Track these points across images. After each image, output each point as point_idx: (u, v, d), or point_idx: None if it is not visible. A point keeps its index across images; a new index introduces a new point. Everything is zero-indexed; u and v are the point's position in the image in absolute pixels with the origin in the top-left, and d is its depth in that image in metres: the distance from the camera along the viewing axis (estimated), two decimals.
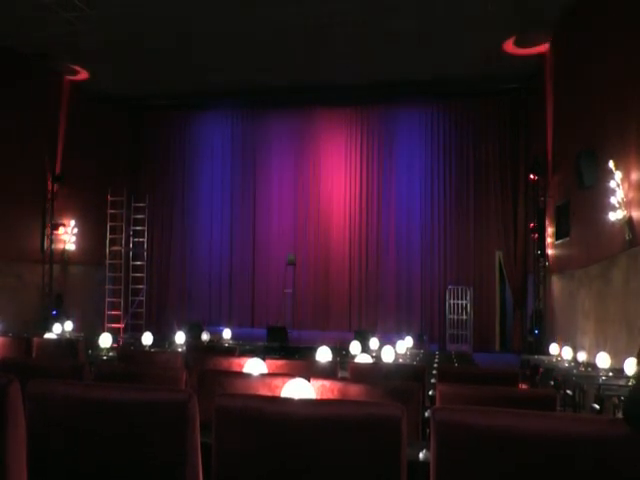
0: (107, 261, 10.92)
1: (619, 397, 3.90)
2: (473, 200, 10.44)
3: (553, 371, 5.59)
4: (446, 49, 8.63)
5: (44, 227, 9.46)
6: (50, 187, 9.50)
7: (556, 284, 8.18)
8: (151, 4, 7.35)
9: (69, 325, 7.50)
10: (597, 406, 4.02)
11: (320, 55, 8.98)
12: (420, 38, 8.26)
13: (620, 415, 1.30)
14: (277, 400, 1.67)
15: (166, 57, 9.18)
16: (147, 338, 5.88)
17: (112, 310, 10.89)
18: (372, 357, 5.13)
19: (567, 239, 7.42)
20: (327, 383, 2.39)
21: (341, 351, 5.78)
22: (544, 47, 8.46)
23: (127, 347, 6.16)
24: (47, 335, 5.81)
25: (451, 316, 10.15)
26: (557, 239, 7.95)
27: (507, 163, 10.27)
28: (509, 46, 8.48)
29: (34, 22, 7.82)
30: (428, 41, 8.38)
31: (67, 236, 9.91)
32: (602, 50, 6.17)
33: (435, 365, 4.91)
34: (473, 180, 10.46)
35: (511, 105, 10.21)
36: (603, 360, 4.89)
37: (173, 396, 1.53)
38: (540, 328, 8.56)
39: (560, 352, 6.36)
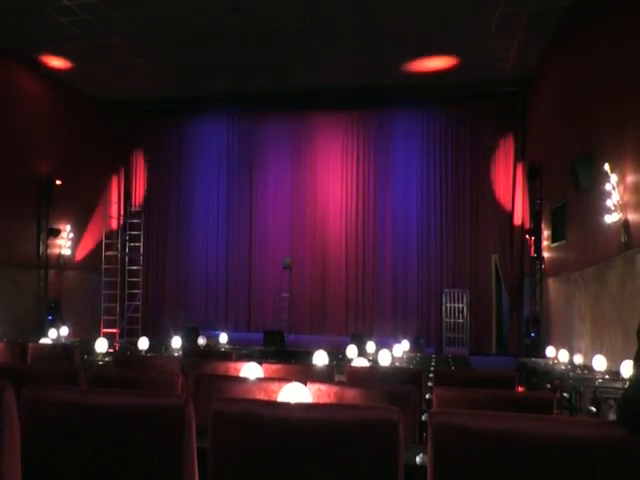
0: (103, 266, 10.88)
1: (616, 399, 3.91)
2: (469, 203, 10.46)
3: (550, 374, 5.59)
4: (444, 53, 8.66)
5: (40, 232, 9.43)
6: (46, 192, 9.47)
7: (552, 287, 8.20)
8: (147, 7, 7.36)
9: (65, 330, 7.47)
10: (594, 409, 4.02)
11: (317, 58, 8.99)
12: (418, 41, 8.29)
13: (614, 417, 1.31)
14: (274, 404, 1.67)
15: (163, 61, 9.18)
16: (143, 343, 5.86)
17: (108, 315, 10.86)
18: (369, 361, 5.12)
19: (563, 242, 7.44)
20: (324, 387, 2.39)
21: (338, 355, 5.78)
22: (541, 51, 8.49)
23: (123, 352, 6.13)
24: (42, 340, 5.78)
25: (448, 319, 10.16)
26: (553, 242, 7.98)
27: (503, 166, 10.30)
28: (506, 51, 8.52)
29: (31, 27, 7.82)
30: (425, 44, 8.41)
31: (63, 241, 9.88)
32: (599, 53, 6.20)
33: (432, 368, 4.90)
34: (469, 183, 10.49)
35: (508, 108, 10.25)
36: (599, 363, 4.89)
37: (169, 401, 1.53)
38: (536, 331, 8.57)
39: (556, 355, 6.36)
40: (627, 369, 4.09)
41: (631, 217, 5.18)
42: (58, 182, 9.52)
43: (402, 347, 6.33)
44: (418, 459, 1.89)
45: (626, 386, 1.34)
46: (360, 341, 6.95)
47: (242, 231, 11.35)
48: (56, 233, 9.55)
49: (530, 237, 9.00)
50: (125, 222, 11.17)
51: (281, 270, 10.62)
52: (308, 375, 3.18)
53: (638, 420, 1.23)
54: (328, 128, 11.14)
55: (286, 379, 2.49)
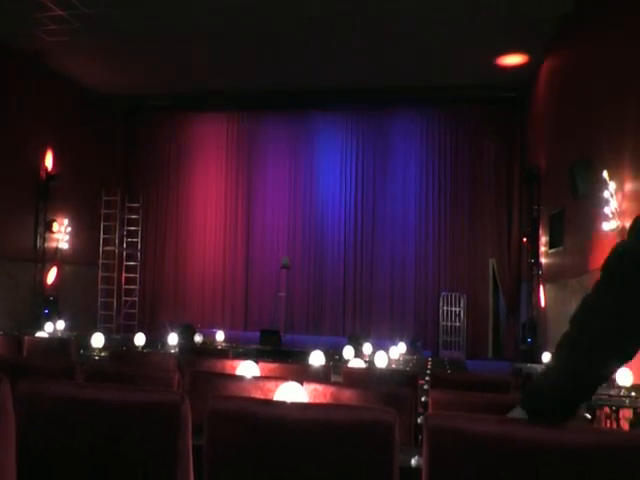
0: (100, 261, 10.87)
1: (610, 407, 3.92)
2: (467, 207, 10.48)
3: None
4: (444, 56, 8.68)
5: (37, 226, 9.40)
6: (44, 186, 9.45)
7: (549, 293, 8.21)
8: (149, 4, 7.35)
9: (61, 324, 7.45)
10: (589, 415, 4.03)
11: (317, 58, 9.00)
12: (418, 44, 8.30)
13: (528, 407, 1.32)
14: (271, 403, 1.67)
15: (162, 57, 9.17)
16: (140, 339, 5.85)
17: (105, 310, 10.84)
18: (365, 362, 5.13)
19: (560, 248, 7.45)
20: (320, 387, 2.39)
21: (334, 356, 5.78)
22: (540, 56, 8.52)
23: (119, 347, 6.12)
24: (39, 334, 5.77)
25: (444, 323, 10.16)
26: (550, 248, 7.99)
27: (502, 171, 10.32)
28: (505, 56, 8.54)
29: (29, 19, 7.78)
30: (426, 48, 8.42)
31: (60, 235, 9.86)
32: (599, 59, 6.22)
33: (428, 371, 4.91)
34: (468, 187, 10.50)
35: (507, 113, 10.27)
36: None
37: (166, 397, 1.53)
38: (533, 336, 8.58)
39: None
40: (623, 375, 4.09)
41: (629, 224, 5.18)
42: (56, 177, 9.50)
43: (399, 349, 6.34)
44: (413, 461, 1.90)
45: (540, 373, 1.36)
46: (357, 342, 6.96)
47: (240, 230, 11.35)
48: (49, 225, 9.48)
49: (527, 243, 9.01)
50: (123, 218, 11.16)
51: (278, 269, 10.61)
52: (304, 375, 3.18)
53: (542, 412, 1.26)
54: (328, 128, 11.14)
55: (282, 378, 2.49)
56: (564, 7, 6.96)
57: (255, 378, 2.58)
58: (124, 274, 11.25)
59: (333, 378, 3.51)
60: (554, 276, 7.89)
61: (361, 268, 10.83)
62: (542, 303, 8.44)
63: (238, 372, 2.91)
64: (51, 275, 9.63)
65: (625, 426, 4.14)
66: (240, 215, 11.38)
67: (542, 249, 8.55)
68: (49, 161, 9.62)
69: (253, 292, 11.16)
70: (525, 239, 9.24)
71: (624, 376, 4.09)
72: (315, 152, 11.17)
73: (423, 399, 3.41)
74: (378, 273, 10.73)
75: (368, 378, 3.51)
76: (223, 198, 11.48)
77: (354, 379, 3.38)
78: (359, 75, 9.59)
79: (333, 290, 10.84)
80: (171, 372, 2.87)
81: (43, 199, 9.45)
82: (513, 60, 8.69)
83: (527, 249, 9.12)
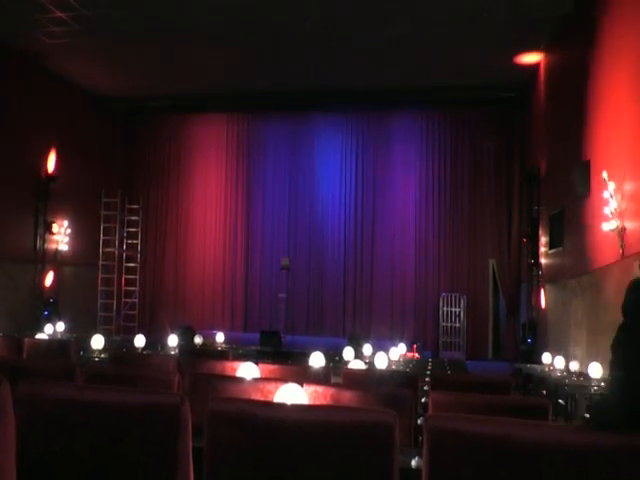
0: (100, 263, 10.86)
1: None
2: (467, 207, 10.48)
3: (545, 380, 5.59)
4: (443, 57, 8.68)
5: (37, 227, 9.40)
6: (44, 187, 9.45)
7: (549, 293, 8.20)
8: (149, 4, 7.35)
9: (61, 326, 7.45)
10: (589, 416, 4.02)
11: (317, 58, 9.00)
12: (418, 45, 8.31)
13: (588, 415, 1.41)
14: (271, 405, 1.67)
15: (162, 57, 9.17)
16: (139, 340, 5.85)
17: (105, 312, 10.83)
18: (365, 363, 5.13)
19: (560, 249, 7.45)
20: (320, 389, 2.38)
21: (334, 357, 5.78)
22: (539, 57, 8.53)
23: (119, 349, 6.12)
24: (38, 335, 5.77)
25: (444, 323, 10.16)
26: (550, 248, 7.99)
27: (502, 171, 10.32)
28: (505, 56, 8.55)
29: (29, 20, 7.77)
30: (426, 48, 8.42)
31: (60, 236, 9.85)
32: (598, 59, 6.22)
33: (428, 372, 4.91)
34: (468, 187, 10.50)
35: (507, 114, 10.27)
36: (595, 370, 4.90)
37: (166, 399, 1.53)
38: (533, 337, 8.58)
39: (552, 361, 6.37)
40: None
41: (628, 225, 5.19)
42: (56, 178, 9.50)
43: (399, 350, 6.33)
44: (413, 463, 1.90)
45: (603, 393, 1.45)
46: (357, 343, 6.95)
47: (240, 230, 11.35)
48: (49, 226, 9.47)
49: (527, 243, 9.01)
50: (123, 219, 11.16)
51: (278, 270, 10.61)
52: (304, 376, 3.18)
53: (610, 427, 1.31)
54: (327, 129, 11.15)
55: (282, 380, 2.49)
56: (564, 7, 6.96)
57: (255, 380, 2.58)
58: (124, 276, 11.24)
59: (333, 379, 3.51)
60: (554, 276, 7.89)
61: (361, 268, 10.83)
62: (542, 304, 8.44)
63: (238, 374, 2.91)
64: (50, 277, 9.63)
65: None
66: (240, 216, 11.38)
67: (542, 249, 8.55)
68: (49, 162, 9.62)
69: (253, 293, 11.16)
70: (525, 239, 9.23)
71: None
72: (315, 153, 11.17)
73: (423, 400, 3.41)
74: (378, 273, 10.73)
75: (368, 379, 3.51)
76: (223, 199, 11.48)
77: (354, 380, 3.37)
78: (359, 75, 9.59)
79: (333, 291, 10.84)
80: (171, 374, 2.87)
81: (43, 200, 9.44)
82: (510, 60, 8.68)
83: (527, 249, 9.11)
